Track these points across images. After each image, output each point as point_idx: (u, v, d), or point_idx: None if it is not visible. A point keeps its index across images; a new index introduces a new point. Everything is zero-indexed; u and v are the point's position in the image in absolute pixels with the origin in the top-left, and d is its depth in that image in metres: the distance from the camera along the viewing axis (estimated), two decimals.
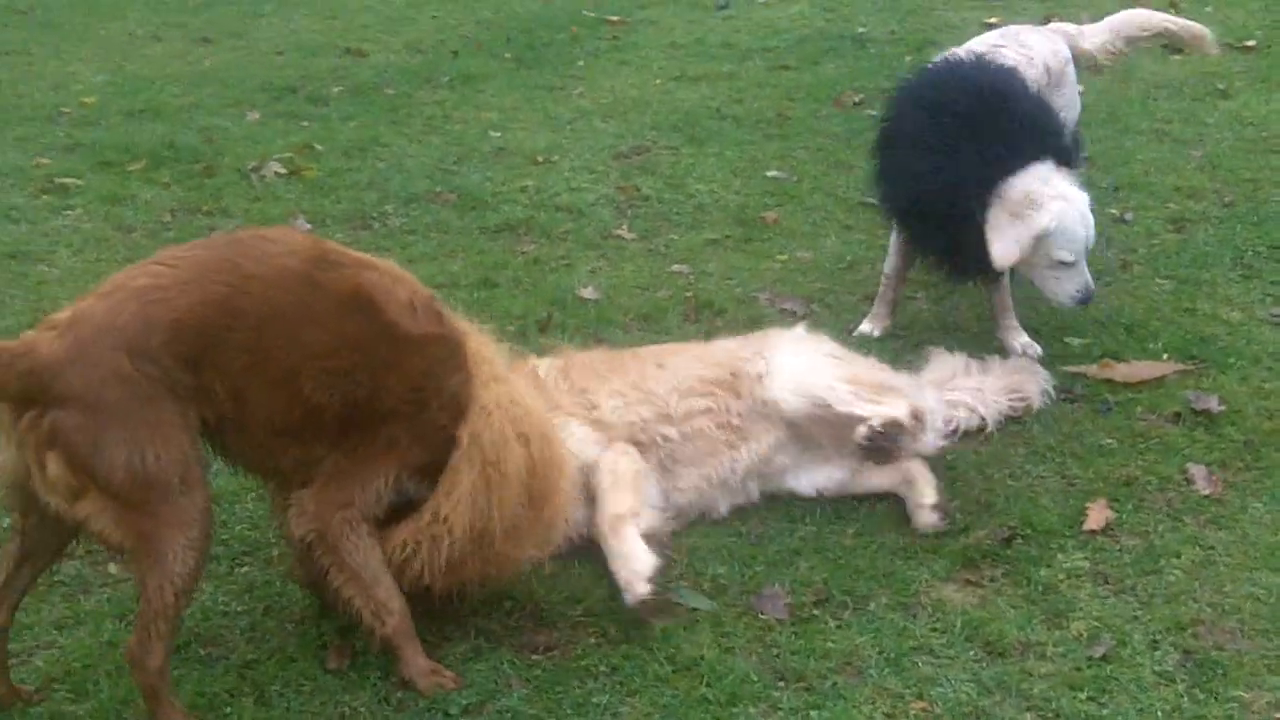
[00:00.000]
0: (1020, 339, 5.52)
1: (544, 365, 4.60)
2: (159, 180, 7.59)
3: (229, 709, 3.70)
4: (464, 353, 3.81)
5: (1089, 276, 5.04)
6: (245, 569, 4.33)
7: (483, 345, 3.93)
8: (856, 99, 8.74)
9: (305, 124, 8.58)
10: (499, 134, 8.30)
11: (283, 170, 7.68)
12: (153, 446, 3.40)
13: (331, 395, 3.61)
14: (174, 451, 3.43)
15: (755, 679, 3.73)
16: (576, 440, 4.29)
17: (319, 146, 8.08)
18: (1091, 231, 5.02)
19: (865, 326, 5.65)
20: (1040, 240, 4.95)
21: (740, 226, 6.93)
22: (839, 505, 4.55)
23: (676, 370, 4.56)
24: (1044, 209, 4.92)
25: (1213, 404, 5.03)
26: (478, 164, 7.79)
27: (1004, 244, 4.92)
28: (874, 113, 8.40)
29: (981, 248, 4.96)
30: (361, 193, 7.40)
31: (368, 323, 3.62)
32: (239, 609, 4.13)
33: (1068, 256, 4.99)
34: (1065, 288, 5.08)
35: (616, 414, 4.42)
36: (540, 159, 7.82)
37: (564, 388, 4.49)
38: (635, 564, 3.97)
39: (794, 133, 8.24)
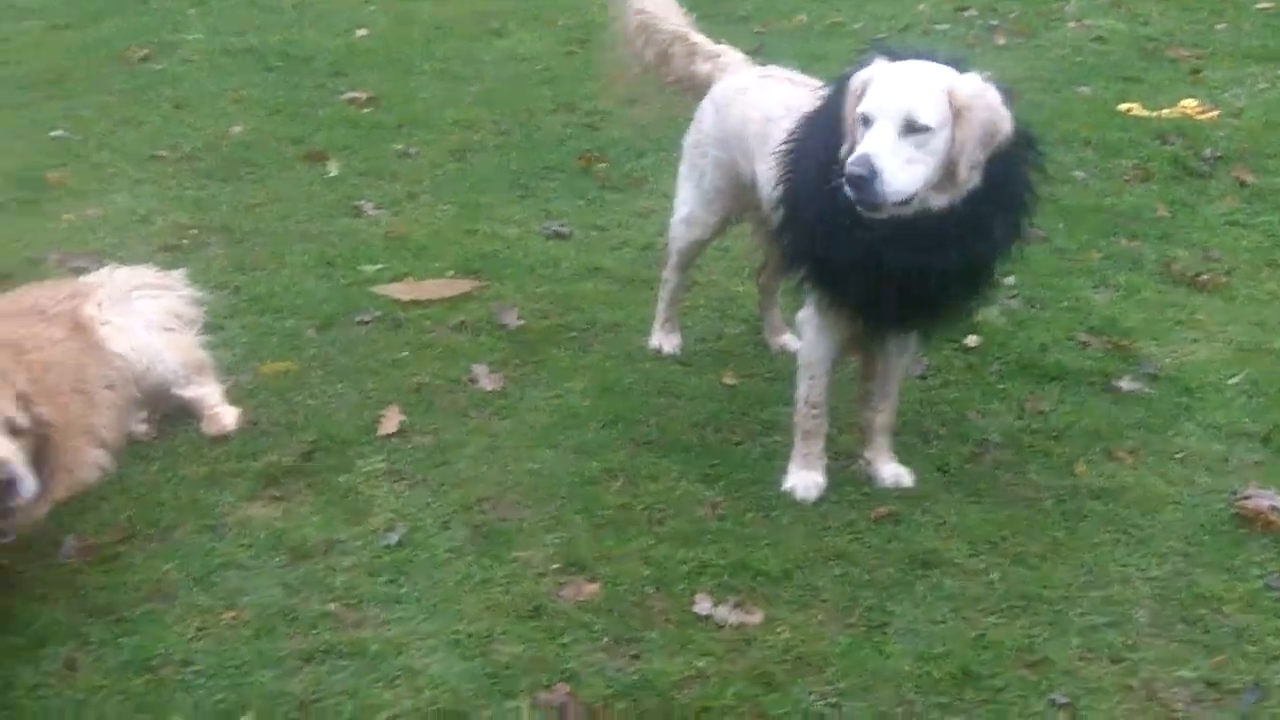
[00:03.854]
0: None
1: None
2: None
3: None
4: None
5: (870, 152, 3.77)
6: None
7: None
8: (142, 54, 8.60)
9: None
10: None
11: None
12: None
13: None
14: None
15: (64, 620, 3.71)
16: None
17: None
18: (903, 104, 3.83)
19: None
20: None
21: (24, 189, 6.70)
22: (140, 445, 4.56)
23: None
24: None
25: (511, 318, 5.39)
26: None
27: None
28: (160, 67, 8.38)
29: None
30: None
31: None
32: None
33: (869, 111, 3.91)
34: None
35: None
36: None
37: None
38: None
39: (77, 91, 8.02)
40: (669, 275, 5.18)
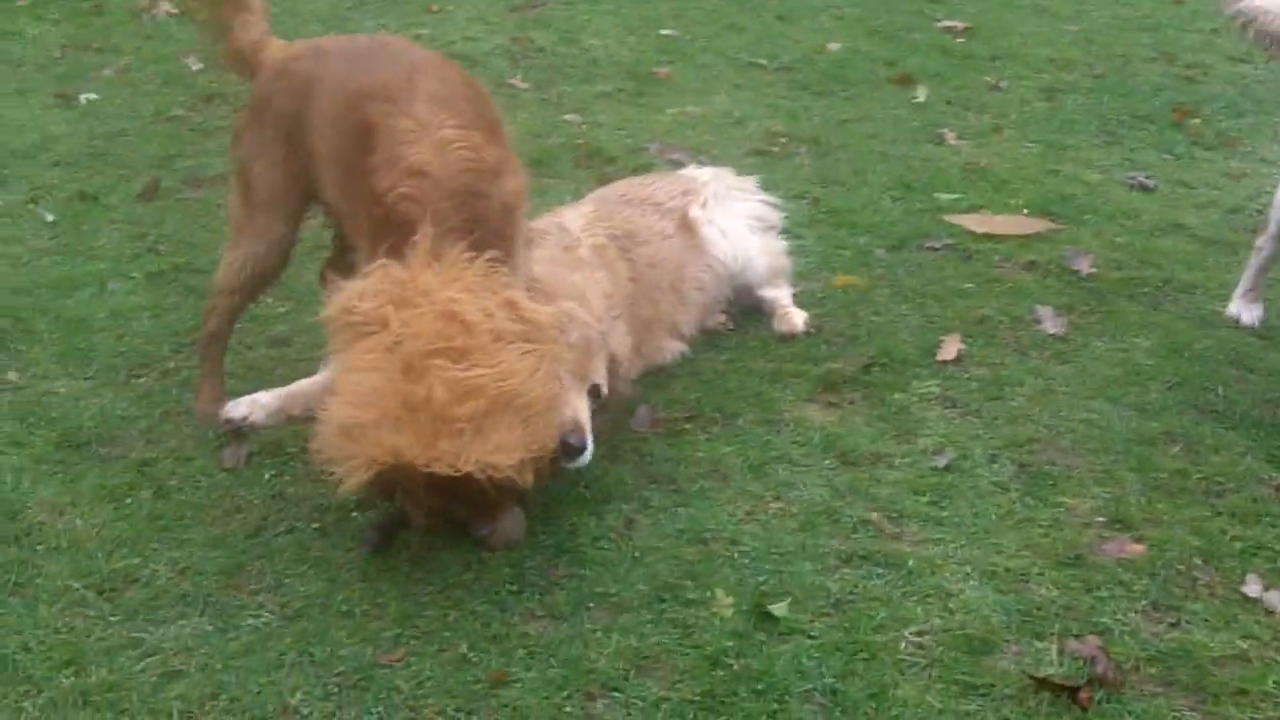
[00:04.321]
0: None
1: None
2: (47, 17, 7.59)
3: (129, 500, 3.89)
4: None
5: None
6: (142, 379, 4.51)
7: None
8: None
9: None
10: None
11: (174, 10, 7.70)
12: (259, 160, 4.07)
13: (343, 207, 3.91)
14: (271, 175, 4.06)
15: (629, 481, 4.00)
16: None
17: None
18: None
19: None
20: None
21: (632, 80, 7.13)
22: (713, 334, 4.83)
23: None
24: None
25: (1083, 264, 5.30)
26: (372, 11, 7.86)
27: None
28: None
29: None
30: None
31: (357, 153, 3.72)
32: (137, 414, 4.31)
33: None
34: None
35: None
36: (435, 8, 7.90)
37: None
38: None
39: None
40: (1264, 244, 4.93)
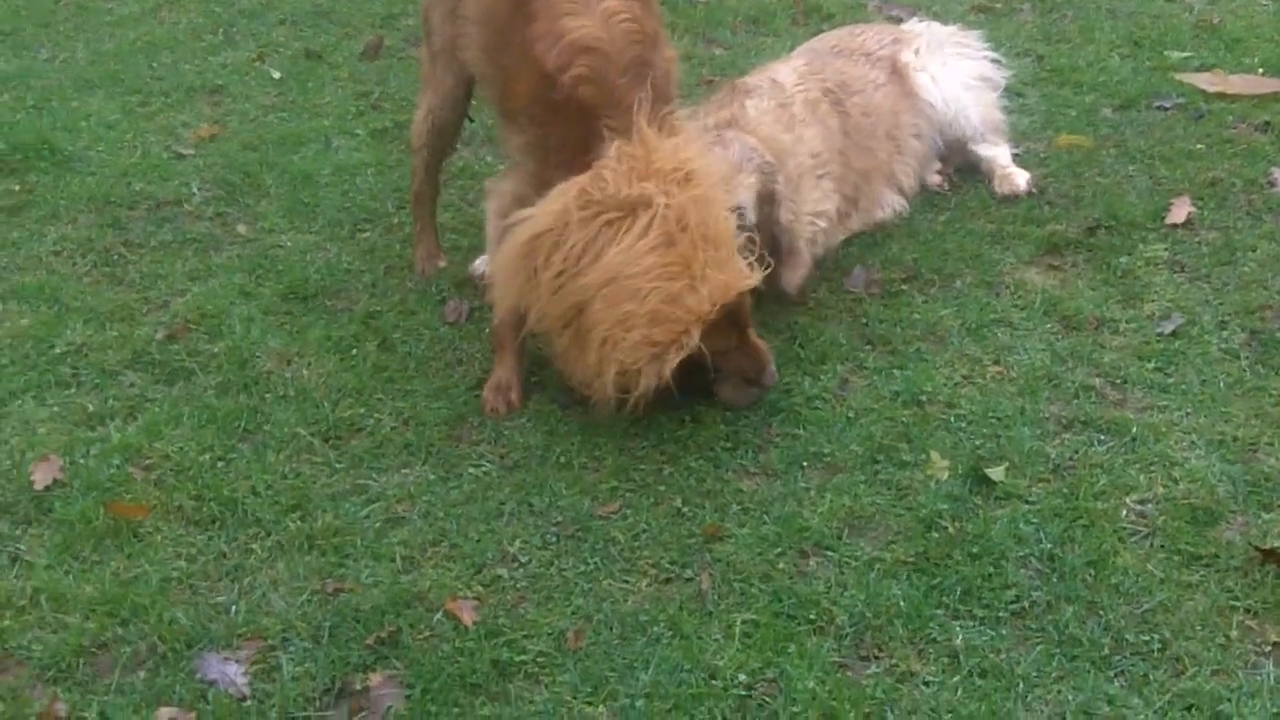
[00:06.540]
0: None
1: None
2: None
3: (354, 351, 4.00)
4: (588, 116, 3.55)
5: None
6: (366, 234, 4.61)
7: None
8: None
9: None
10: None
11: None
12: (436, 9, 4.08)
13: (485, 68, 3.85)
14: (444, 26, 4.03)
15: (844, 342, 3.99)
16: None
17: None
18: None
19: None
20: None
21: None
22: (931, 194, 4.75)
23: None
24: None
25: None
26: None
27: None
28: None
29: None
30: None
31: (510, 17, 3.63)
32: (362, 268, 4.41)
33: None
34: None
35: None
36: None
37: None
38: None
39: None
40: None
